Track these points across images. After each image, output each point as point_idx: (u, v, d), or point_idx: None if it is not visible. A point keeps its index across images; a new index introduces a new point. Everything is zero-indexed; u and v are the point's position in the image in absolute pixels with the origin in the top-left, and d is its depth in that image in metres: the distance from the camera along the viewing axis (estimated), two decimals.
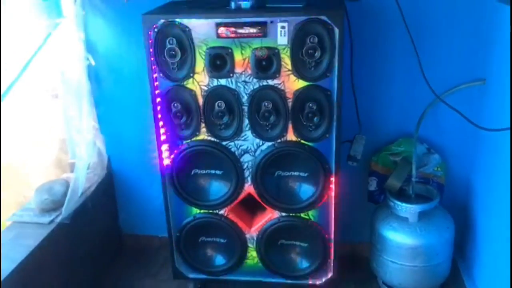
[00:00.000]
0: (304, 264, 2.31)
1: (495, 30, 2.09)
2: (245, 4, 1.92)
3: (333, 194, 2.13)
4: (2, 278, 1.83)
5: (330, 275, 2.30)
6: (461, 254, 2.52)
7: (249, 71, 1.95)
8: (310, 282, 2.32)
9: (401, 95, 2.35)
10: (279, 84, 1.96)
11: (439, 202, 2.32)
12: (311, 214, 2.19)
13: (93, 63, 2.45)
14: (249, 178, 2.15)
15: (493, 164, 2.15)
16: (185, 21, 1.90)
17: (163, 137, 2.13)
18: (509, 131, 1.85)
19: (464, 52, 2.23)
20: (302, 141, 2.05)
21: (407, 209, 2.21)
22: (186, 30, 1.91)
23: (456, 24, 2.19)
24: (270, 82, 1.96)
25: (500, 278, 1.98)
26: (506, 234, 1.89)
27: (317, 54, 1.86)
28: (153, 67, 2.00)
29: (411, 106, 2.34)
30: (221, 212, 2.25)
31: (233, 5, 1.93)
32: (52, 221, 2.23)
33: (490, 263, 2.17)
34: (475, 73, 2.24)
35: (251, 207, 2.28)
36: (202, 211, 2.26)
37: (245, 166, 2.14)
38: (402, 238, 2.21)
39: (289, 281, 2.34)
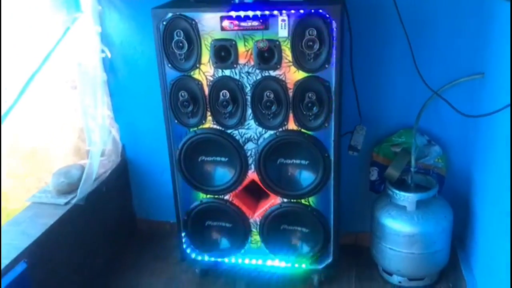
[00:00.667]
0: (305, 248, 2.41)
1: (493, 25, 2.14)
2: None
3: (332, 181, 2.22)
4: (20, 251, 1.98)
5: (330, 260, 2.39)
6: (461, 244, 2.57)
7: (252, 62, 2.06)
8: (311, 266, 2.42)
9: (402, 87, 2.41)
10: (280, 75, 2.06)
11: (439, 193, 2.39)
12: (312, 201, 2.29)
13: (109, 55, 2.59)
14: (252, 165, 2.26)
15: (491, 156, 2.20)
16: (192, 15, 2.02)
17: (172, 125, 2.25)
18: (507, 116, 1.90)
19: (463, 47, 2.28)
20: (303, 130, 2.15)
21: (405, 198, 2.28)
22: (192, 23, 2.03)
23: (455, 19, 2.25)
24: (272, 73, 2.06)
25: (496, 269, 2.03)
26: (504, 225, 1.94)
27: (316, 46, 1.95)
28: (162, 58, 2.13)
29: (412, 98, 2.40)
30: (226, 197, 2.36)
31: None
32: (68, 203, 2.38)
33: (488, 254, 2.21)
34: (474, 67, 2.29)
35: (254, 193, 2.39)
36: (208, 196, 2.38)
37: (248, 154, 2.24)
38: (400, 226, 2.28)
39: (291, 265, 2.44)
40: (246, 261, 2.48)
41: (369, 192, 2.59)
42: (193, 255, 2.53)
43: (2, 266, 1.87)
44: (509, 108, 1.80)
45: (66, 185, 2.43)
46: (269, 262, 2.47)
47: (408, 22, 2.22)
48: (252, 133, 2.20)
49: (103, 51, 2.57)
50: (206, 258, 2.53)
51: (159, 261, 2.77)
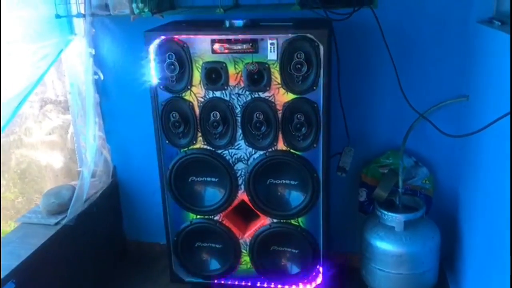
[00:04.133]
0: (294, 269, 2.42)
1: (477, 50, 2.21)
2: (238, 23, 2.09)
3: (321, 202, 2.24)
4: (9, 271, 1.97)
5: (319, 281, 2.39)
6: (449, 264, 2.59)
7: (242, 84, 2.11)
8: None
9: (389, 109, 2.47)
10: (270, 96, 2.11)
11: (427, 213, 2.42)
12: (301, 221, 2.30)
13: (102, 77, 2.63)
14: (242, 185, 2.28)
15: (477, 177, 2.24)
16: (184, 38, 2.08)
17: (163, 146, 2.28)
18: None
19: (447, 70, 2.36)
20: (292, 150, 2.18)
21: (393, 218, 2.31)
22: (184, 46, 2.08)
23: (439, 44, 2.33)
24: (262, 94, 2.11)
25: None
26: (492, 245, 1.97)
27: (304, 69, 2.01)
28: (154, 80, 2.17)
29: (399, 120, 2.46)
30: (216, 218, 2.37)
31: (227, 23, 2.11)
32: (57, 223, 2.38)
33: (476, 274, 2.23)
34: (459, 90, 2.36)
35: (244, 214, 2.40)
36: (198, 216, 2.39)
37: (238, 174, 2.27)
38: (388, 246, 2.30)
39: (280, 286, 2.44)
40: (236, 282, 2.48)
41: (358, 213, 2.61)
42: (183, 277, 2.52)
43: None
44: (493, 129, 1.85)
45: (56, 205, 2.43)
46: (259, 284, 2.46)
47: (394, 46, 2.29)
48: (242, 154, 2.23)
49: (96, 73, 2.61)
50: (196, 279, 2.51)
51: (149, 282, 2.76)
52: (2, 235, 2.59)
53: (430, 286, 2.42)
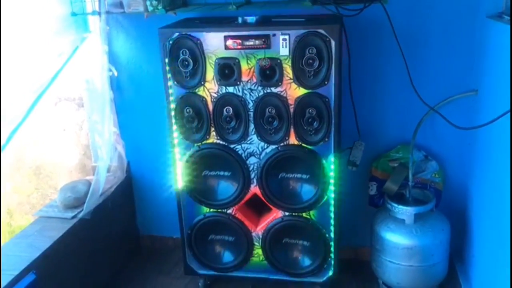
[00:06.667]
0: (306, 262, 2.46)
1: (486, 44, 2.23)
2: (250, 19, 2.13)
3: (332, 195, 2.28)
4: (29, 263, 2.03)
5: (330, 273, 2.43)
6: (459, 257, 2.62)
7: (254, 80, 2.15)
8: (312, 280, 2.46)
9: (399, 104, 2.50)
10: (282, 91, 2.14)
11: (436, 206, 2.45)
12: (313, 214, 2.34)
13: (115, 73, 2.68)
14: (254, 179, 2.33)
15: (487, 170, 2.27)
16: (197, 34, 2.12)
17: (176, 141, 2.33)
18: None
19: (456, 65, 2.38)
20: (303, 144, 2.22)
21: (404, 211, 2.34)
22: (197, 42, 2.12)
23: (448, 39, 2.35)
24: (274, 89, 2.15)
25: (494, 281, 2.07)
26: (501, 237, 1.99)
27: (316, 64, 2.04)
28: (168, 76, 2.22)
29: (409, 114, 2.48)
30: (229, 211, 2.42)
31: (240, 20, 2.15)
32: (74, 217, 2.43)
33: (486, 266, 2.26)
34: (468, 84, 2.38)
35: (257, 207, 2.45)
36: (211, 210, 2.44)
37: (251, 168, 2.31)
38: (399, 239, 2.33)
39: (292, 279, 2.48)
40: (249, 274, 2.52)
41: (368, 207, 2.64)
42: (196, 269, 2.57)
43: (11, 278, 1.92)
44: (503, 122, 1.87)
45: (72, 199, 2.49)
46: (270, 276, 2.50)
47: (404, 41, 2.32)
48: (255, 148, 2.27)
49: (110, 70, 2.65)
50: (210, 272, 2.56)
51: (162, 275, 2.81)
52: (19, 229, 2.66)
53: (440, 278, 2.45)
